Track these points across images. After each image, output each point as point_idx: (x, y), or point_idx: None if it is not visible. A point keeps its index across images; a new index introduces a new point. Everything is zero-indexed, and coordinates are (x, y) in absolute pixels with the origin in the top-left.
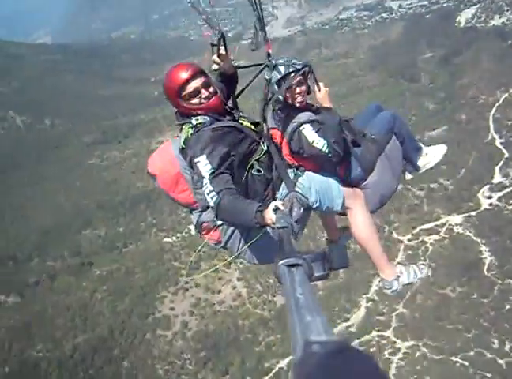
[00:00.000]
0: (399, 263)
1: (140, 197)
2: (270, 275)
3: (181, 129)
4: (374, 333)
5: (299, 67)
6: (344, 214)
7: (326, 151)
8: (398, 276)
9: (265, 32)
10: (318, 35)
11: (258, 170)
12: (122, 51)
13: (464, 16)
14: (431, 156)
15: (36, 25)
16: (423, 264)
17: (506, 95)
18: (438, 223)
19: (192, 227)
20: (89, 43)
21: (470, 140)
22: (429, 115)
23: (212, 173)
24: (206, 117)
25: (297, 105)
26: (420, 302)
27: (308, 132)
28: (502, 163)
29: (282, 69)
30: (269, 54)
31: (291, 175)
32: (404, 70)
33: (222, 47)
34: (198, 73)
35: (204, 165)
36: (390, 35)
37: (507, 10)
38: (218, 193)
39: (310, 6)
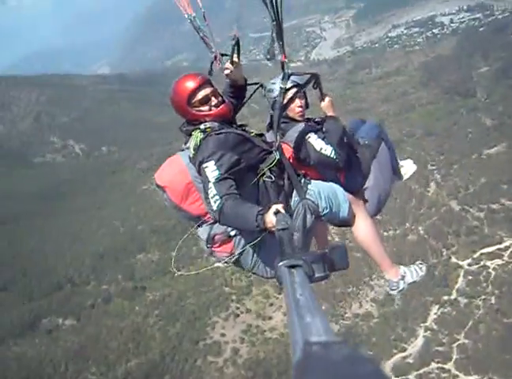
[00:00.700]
0: (400, 264)
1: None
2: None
3: (188, 137)
4: (434, 365)
5: (299, 81)
6: (348, 225)
7: (334, 157)
8: (403, 276)
9: (283, 42)
10: (367, 55)
11: (270, 177)
12: (176, 77)
13: None
14: (404, 170)
15: (96, 57)
16: (421, 263)
17: None
18: (501, 246)
19: (203, 243)
20: (144, 72)
21: None
22: (487, 132)
23: (218, 178)
24: (215, 123)
25: (298, 118)
26: (484, 332)
27: (314, 140)
28: None
29: (281, 84)
30: (283, 65)
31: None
32: (458, 86)
33: (235, 55)
34: (207, 81)
35: (211, 170)
36: (442, 50)
37: None
38: (221, 198)
39: (358, 26)
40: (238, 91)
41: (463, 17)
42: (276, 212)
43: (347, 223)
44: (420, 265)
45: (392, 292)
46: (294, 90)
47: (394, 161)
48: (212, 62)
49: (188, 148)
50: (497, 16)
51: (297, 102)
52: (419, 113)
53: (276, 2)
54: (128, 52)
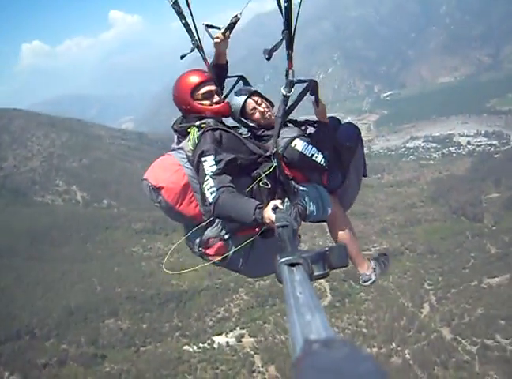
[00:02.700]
0: (368, 258)
1: (171, 295)
2: None
3: (182, 135)
4: None
5: (252, 89)
6: (324, 221)
7: (324, 164)
8: (374, 269)
9: (292, 50)
10: (382, 160)
11: (266, 184)
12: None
13: None
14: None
15: (124, 112)
16: (384, 254)
17: None
18: None
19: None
20: (164, 135)
21: None
22: (490, 260)
23: (215, 172)
24: (210, 120)
25: (269, 122)
26: None
27: (305, 146)
28: None
29: (239, 97)
30: (287, 72)
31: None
32: (466, 208)
33: (228, 31)
34: (212, 79)
35: (209, 165)
36: (456, 169)
37: None
38: (218, 189)
39: (378, 131)
40: (219, 72)
41: (480, 141)
42: (275, 208)
43: (324, 220)
44: (384, 256)
45: (365, 284)
46: (252, 100)
47: (364, 159)
48: (192, 49)
49: (181, 149)
50: None
51: (259, 109)
52: (424, 228)
53: (289, 11)
54: (154, 113)
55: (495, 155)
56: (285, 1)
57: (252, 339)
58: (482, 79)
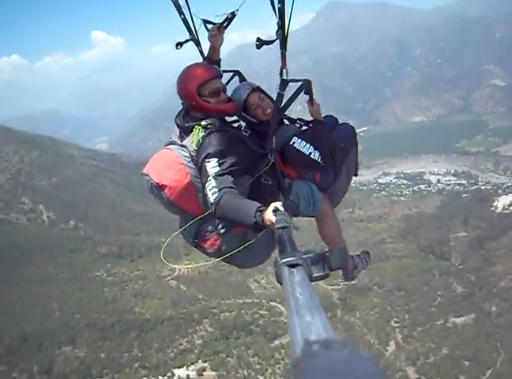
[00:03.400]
0: (351, 255)
1: (133, 323)
2: None
3: (185, 132)
4: None
5: (255, 85)
6: (312, 216)
7: (320, 162)
8: (356, 266)
9: (285, 50)
10: (354, 195)
11: (267, 179)
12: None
13: (501, 202)
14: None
15: (100, 132)
16: (367, 252)
17: None
18: None
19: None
20: (137, 158)
21: (499, 337)
22: (456, 299)
23: (218, 173)
24: (216, 120)
25: (266, 118)
26: None
27: (302, 145)
28: None
29: (242, 91)
30: (281, 71)
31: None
32: (435, 246)
33: (225, 26)
34: (221, 76)
35: (212, 166)
36: (425, 207)
37: None
38: (220, 191)
39: None
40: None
41: (449, 180)
42: (275, 210)
43: (312, 215)
44: (366, 254)
45: (348, 280)
46: (254, 95)
47: (357, 159)
48: (187, 40)
49: (184, 146)
50: (480, 186)
51: (261, 105)
52: (392, 264)
53: (283, 12)
54: (130, 135)
55: (464, 195)
56: (278, 2)
57: (214, 373)
58: (453, 120)
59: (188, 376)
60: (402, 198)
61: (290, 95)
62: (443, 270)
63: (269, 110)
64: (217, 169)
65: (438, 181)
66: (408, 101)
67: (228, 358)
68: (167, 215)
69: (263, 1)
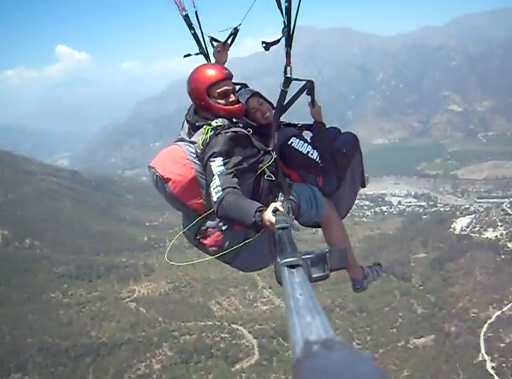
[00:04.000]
0: (362, 265)
1: (89, 348)
2: None
3: (194, 129)
4: None
5: (254, 90)
6: (319, 226)
7: (319, 161)
8: (366, 276)
9: (290, 48)
10: None
11: (270, 177)
12: (128, 191)
13: (459, 224)
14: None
15: (61, 148)
16: (379, 264)
17: (499, 312)
18: None
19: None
20: (99, 176)
21: (458, 358)
22: (417, 320)
23: (223, 172)
24: (225, 120)
25: (268, 121)
26: None
27: (301, 144)
28: None
29: (241, 96)
30: (285, 69)
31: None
32: (395, 267)
33: (229, 41)
34: (231, 78)
35: (217, 165)
36: (387, 228)
37: (500, 225)
38: (223, 190)
39: None
40: None
41: (410, 202)
42: (275, 211)
43: (318, 224)
44: (378, 266)
45: (357, 290)
46: (254, 99)
47: (363, 170)
48: (197, 53)
49: (193, 143)
50: (439, 208)
51: (260, 109)
52: None
53: (289, 11)
54: (92, 152)
55: (424, 216)
56: (285, 1)
57: None
58: (413, 143)
59: None
60: (364, 219)
61: (292, 95)
62: (404, 291)
63: (268, 113)
64: (222, 168)
65: (399, 202)
66: (370, 124)
67: None
68: (127, 234)
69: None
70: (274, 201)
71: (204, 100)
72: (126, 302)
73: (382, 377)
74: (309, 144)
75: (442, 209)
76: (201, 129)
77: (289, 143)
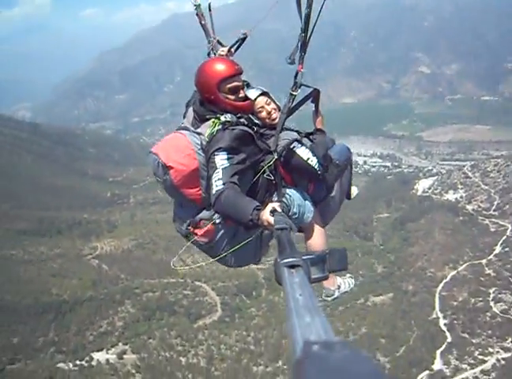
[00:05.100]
0: (337, 275)
1: (50, 305)
2: None
3: (201, 120)
4: None
5: (264, 89)
6: (301, 231)
7: (317, 168)
8: (339, 286)
9: (305, 53)
10: None
11: (269, 175)
12: (91, 145)
13: (421, 185)
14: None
15: (22, 98)
16: (351, 276)
17: (455, 272)
18: None
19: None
20: (61, 129)
21: (414, 315)
22: (376, 279)
23: (226, 167)
24: (234, 116)
25: (272, 123)
26: None
27: (302, 150)
28: (444, 347)
29: (251, 93)
30: (296, 74)
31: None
32: (358, 226)
33: (235, 47)
34: (242, 73)
35: (221, 159)
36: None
37: (461, 188)
38: (224, 184)
39: None
40: None
41: (375, 162)
42: (273, 211)
43: (302, 229)
44: (351, 278)
45: (327, 298)
46: (262, 98)
47: (350, 182)
48: (211, 48)
49: (199, 134)
50: (403, 169)
51: (267, 109)
52: None
53: (308, 17)
54: (55, 104)
55: (388, 177)
56: (306, 8)
57: (134, 356)
58: (381, 103)
59: (108, 360)
60: None
61: (298, 100)
62: (366, 250)
63: (275, 114)
64: (226, 162)
65: (365, 162)
66: (340, 82)
67: (150, 340)
68: (90, 191)
69: None
70: (269, 201)
71: (214, 94)
72: (89, 259)
73: (381, 377)
74: (310, 150)
75: (405, 170)
76: (209, 122)
77: (291, 147)
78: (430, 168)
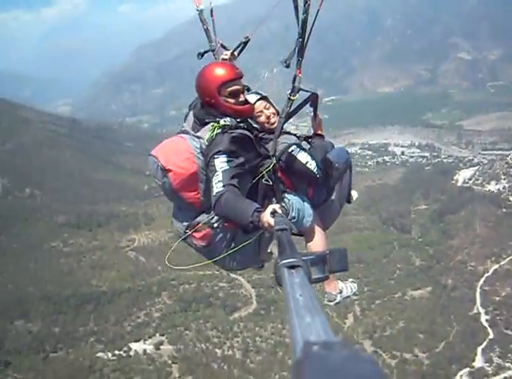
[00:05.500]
0: (339, 279)
1: (89, 296)
2: None
3: (201, 124)
4: None
5: (263, 94)
6: (301, 234)
7: (316, 172)
8: (341, 291)
9: (302, 58)
10: None
11: (267, 181)
12: (129, 139)
13: (462, 175)
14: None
15: (62, 95)
16: (353, 281)
17: (497, 266)
18: None
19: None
20: (99, 124)
21: (454, 310)
22: (414, 272)
23: (226, 170)
24: (233, 120)
25: (270, 127)
26: None
27: (301, 153)
28: (485, 343)
29: (250, 97)
30: (294, 78)
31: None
32: (396, 218)
33: (238, 50)
34: (242, 77)
35: (221, 161)
36: (389, 179)
37: (503, 178)
38: (224, 186)
39: None
40: None
41: (413, 152)
42: (273, 212)
43: (302, 233)
44: (353, 283)
45: (329, 303)
46: (261, 103)
47: (350, 186)
48: (206, 51)
49: (198, 137)
50: (442, 159)
51: (266, 113)
52: (353, 237)
53: (305, 22)
54: (94, 98)
55: (426, 167)
56: (303, 14)
57: (171, 347)
58: (419, 92)
59: (145, 350)
60: (366, 169)
61: (296, 105)
62: (403, 243)
63: (274, 119)
64: (226, 165)
65: (402, 153)
66: (376, 71)
67: (186, 332)
68: (128, 184)
69: None
70: (269, 205)
71: (214, 98)
72: (126, 251)
73: (381, 377)
74: (309, 154)
75: (445, 161)
76: (209, 126)
77: (290, 150)
78: (470, 158)
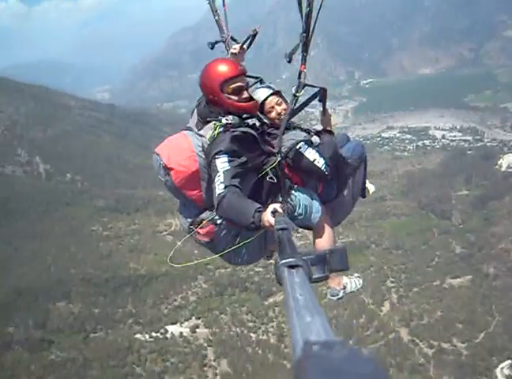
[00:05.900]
0: (344, 275)
1: (128, 279)
2: None
3: (204, 122)
4: None
5: (276, 89)
6: (310, 228)
7: (324, 170)
8: (344, 286)
9: (306, 53)
10: None
11: (272, 178)
12: (166, 124)
13: (506, 160)
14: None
15: (101, 81)
16: (359, 276)
17: None
18: None
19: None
20: (137, 109)
21: (495, 300)
22: (454, 260)
23: (228, 170)
24: (236, 118)
25: (279, 122)
26: None
27: (309, 151)
28: None
29: (262, 92)
30: (300, 74)
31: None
32: (435, 204)
33: (247, 43)
34: (245, 74)
35: (222, 161)
36: (428, 163)
37: None
38: (226, 187)
39: (355, 119)
40: None
41: (455, 136)
42: (274, 212)
43: (310, 228)
44: (358, 278)
45: (332, 298)
46: (273, 98)
47: (364, 180)
48: (217, 42)
49: (201, 136)
50: (486, 143)
51: (277, 109)
52: (391, 222)
53: (309, 17)
54: (132, 84)
55: (468, 152)
56: (307, 7)
57: (207, 331)
58: (462, 73)
59: (181, 333)
60: (405, 153)
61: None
62: (443, 229)
63: (285, 114)
64: (227, 165)
65: (443, 136)
66: (415, 52)
67: (222, 316)
68: None
69: None
70: (274, 202)
71: (217, 95)
72: (164, 235)
73: (381, 376)
74: (317, 151)
75: (488, 144)
76: (211, 124)
77: (297, 147)
78: None
